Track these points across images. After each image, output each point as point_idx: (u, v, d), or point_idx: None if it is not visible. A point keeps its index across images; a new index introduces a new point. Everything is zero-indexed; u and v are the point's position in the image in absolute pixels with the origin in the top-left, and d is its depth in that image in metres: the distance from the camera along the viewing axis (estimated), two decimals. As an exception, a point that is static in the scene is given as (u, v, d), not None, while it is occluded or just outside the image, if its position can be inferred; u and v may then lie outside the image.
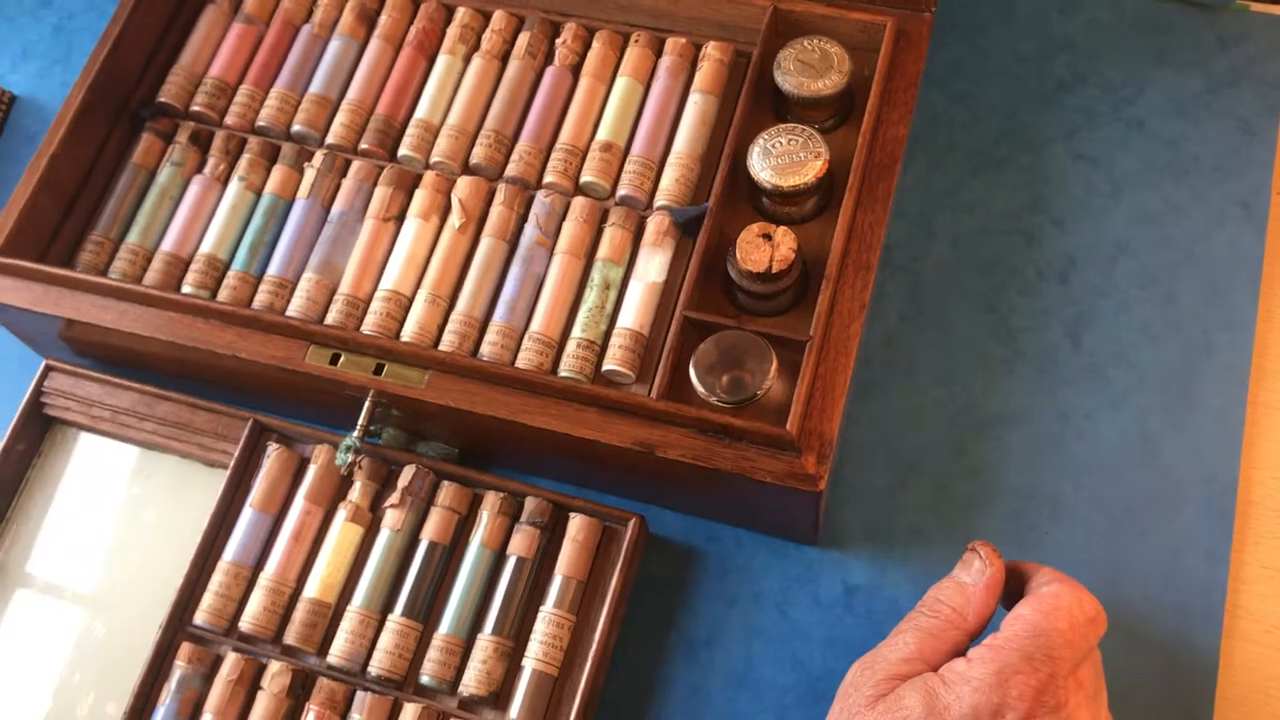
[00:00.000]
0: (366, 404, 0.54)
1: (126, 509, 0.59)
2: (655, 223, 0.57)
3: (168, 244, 0.60)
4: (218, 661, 0.54)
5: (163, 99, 0.63)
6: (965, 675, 0.45)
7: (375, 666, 0.53)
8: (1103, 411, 0.57)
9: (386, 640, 0.53)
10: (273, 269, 0.59)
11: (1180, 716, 0.51)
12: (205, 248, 0.59)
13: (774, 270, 0.52)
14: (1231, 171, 0.61)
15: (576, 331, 0.55)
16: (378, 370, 0.53)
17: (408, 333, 0.56)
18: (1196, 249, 0.60)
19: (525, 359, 0.55)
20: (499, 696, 0.52)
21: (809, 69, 0.56)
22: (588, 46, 0.62)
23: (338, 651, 0.53)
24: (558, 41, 0.62)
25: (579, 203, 0.58)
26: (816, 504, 0.50)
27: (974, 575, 0.48)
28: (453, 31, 0.63)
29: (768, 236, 0.52)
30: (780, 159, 0.54)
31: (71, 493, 0.60)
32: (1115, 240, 0.60)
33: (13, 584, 0.58)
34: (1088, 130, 0.63)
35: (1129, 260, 0.60)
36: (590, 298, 0.56)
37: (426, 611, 0.54)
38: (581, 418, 0.51)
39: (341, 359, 0.54)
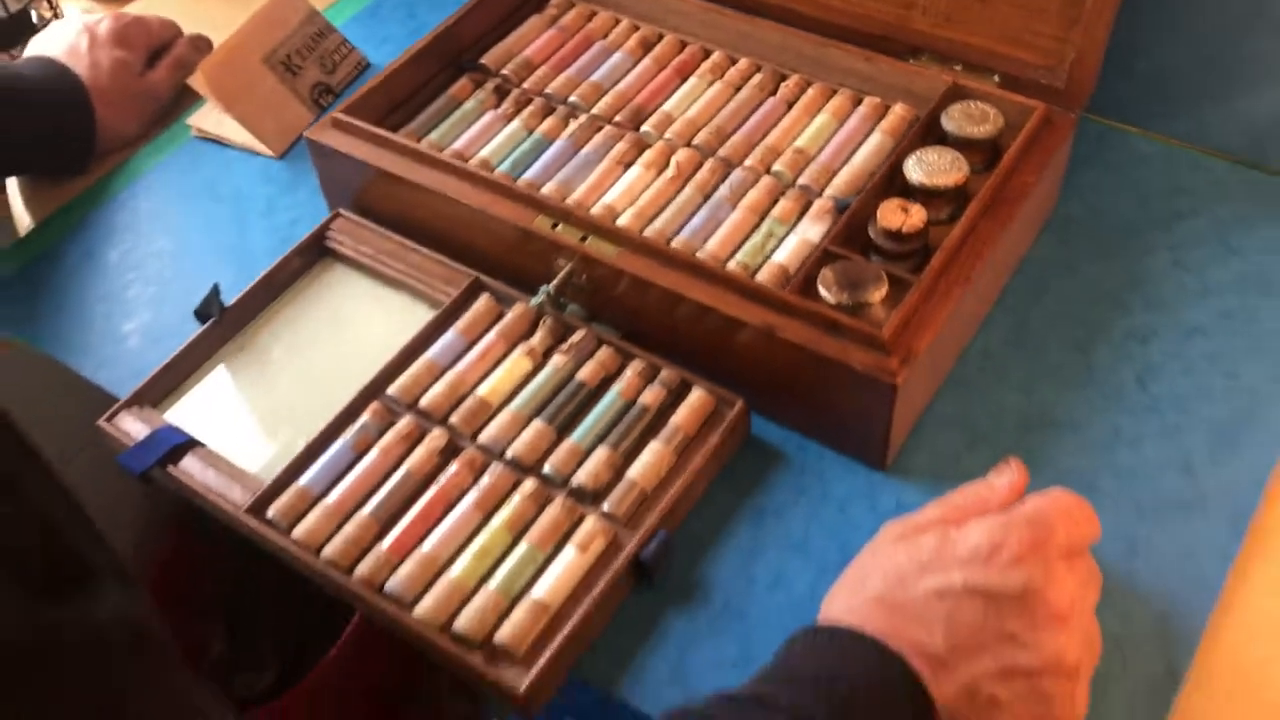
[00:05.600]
0: (566, 268, 0.69)
1: (363, 324, 0.75)
2: (820, 203, 0.72)
3: (457, 145, 0.79)
4: (394, 422, 0.68)
5: (483, 61, 0.84)
6: (975, 524, 0.55)
7: (511, 452, 0.66)
8: (1154, 439, 0.67)
9: (526, 436, 0.66)
10: (526, 177, 0.76)
11: (1162, 665, 0.58)
12: (483, 154, 0.78)
13: (905, 231, 0.66)
14: (1309, 298, 0.72)
15: (738, 257, 0.70)
16: (583, 239, 0.69)
17: (611, 236, 0.72)
18: (1266, 344, 0.70)
19: (694, 269, 0.70)
20: (599, 495, 0.64)
21: (970, 119, 0.72)
22: (803, 93, 0.79)
23: (487, 437, 0.66)
24: (782, 84, 0.80)
25: (765, 180, 0.74)
26: (892, 402, 0.62)
27: (1002, 478, 0.58)
28: (705, 65, 0.82)
29: (905, 209, 0.67)
30: (930, 167, 0.69)
31: (328, 307, 0.76)
32: (1195, 325, 0.72)
33: (261, 356, 0.74)
34: (1192, 248, 0.75)
35: (1204, 340, 0.71)
36: (755, 239, 0.71)
37: (562, 426, 0.67)
38: (726, 299, 0.65)
39: (559, 226, 0.70)
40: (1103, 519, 0.62)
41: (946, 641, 0.52)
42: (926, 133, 0.73)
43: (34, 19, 1.24)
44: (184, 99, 0.94)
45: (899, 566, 0.55)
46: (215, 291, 0.73)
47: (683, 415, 0.66)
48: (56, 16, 1.18)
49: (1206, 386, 0.69)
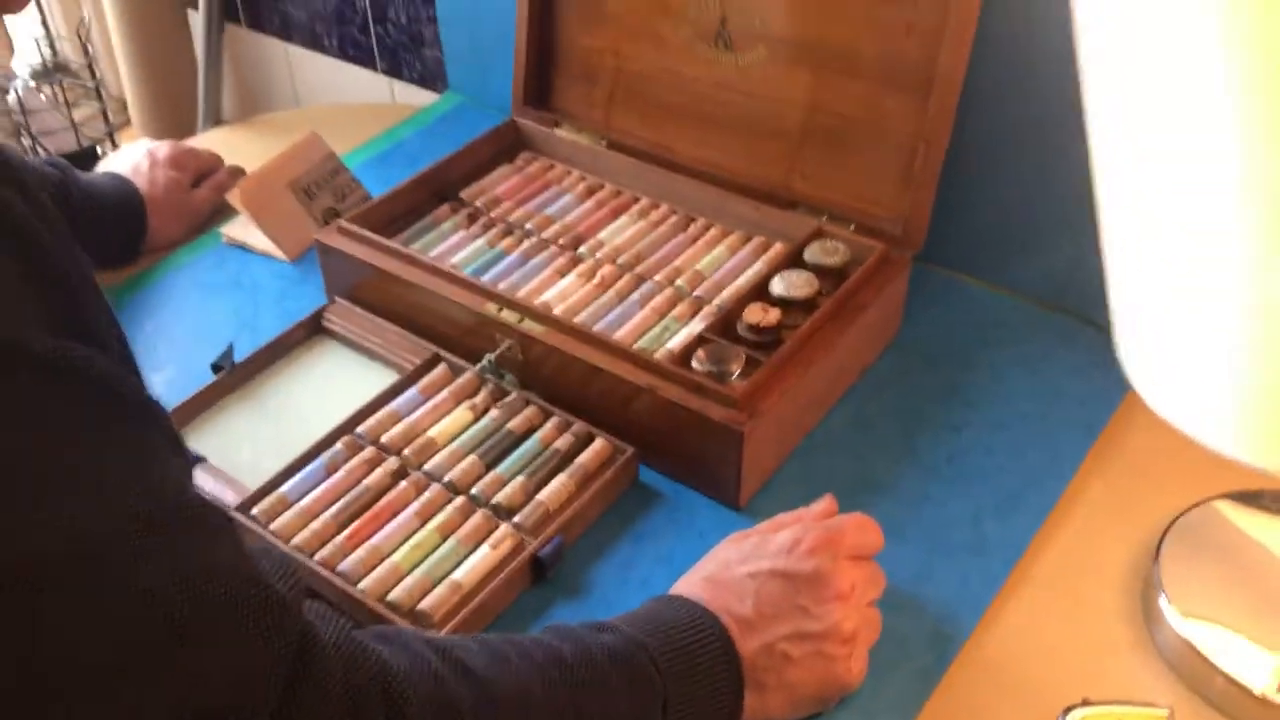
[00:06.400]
0: (506, 343, 0.89)
1: (344, 384, 0.94)
2: (708, 309, 0.92)
3: (434, 253, 1.00)
4: (359, 451, 0.86)
5: (462, 194, 1.06)
6: (786, 529, 0.73)
7: (449, 477, 0.84)
8: (953, 501, 0.85)
9: (462, 466, 0.85)
10: (484, 279, 0.97)
11: (934, 655, 0.75)
12: (454, 260, 0.99)
13: (763, 325, 0.86)
14: (1087, 406, 0.91)
15: (640, 344, 0.90)
16: (520, 320, 0.89)
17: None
18: (1050, 437, 0.89)
19: (605, 351, 0.90)
20: (512, 511, 0.82)
21: (825, 252, 0.93)
22: (706, 231, 1.01)
23: (431, 465, 0.85)
24: (691, 224, 1.02)
25: (668, 290, 0.95)
26: (741, 447, 0.80)
27: (816, 505, 0.77)
28: (634, 208, 1.04)
29: (765, 310, 0.87)
30: (790, 283, 0.90)
31: (317, 369, 0.96)
32: (998, 422, 0.91)
33: (261, 402, 0.94)
34: (1003, 367, 0.95)
35: (1004, 432, 0.90)
36: (654, 331, 0.91)
37: (491, 461, 0.85)
38: (622, 366, 0.85)
39: (503, 310, 0.90)
40: (903, 555, 0.80)
41: (754, 610, 0.69)
42: (792, 261, 0.95)
43: (97, 151, 1.49)
44: (218, 214, 1.16)
45: (726, 557, 0.73)
46: (230, 349, 0.93)
47: (586, 457, 0.85)
48: (115, 148, 1.42)
49: (1000, 465, 0.88)
